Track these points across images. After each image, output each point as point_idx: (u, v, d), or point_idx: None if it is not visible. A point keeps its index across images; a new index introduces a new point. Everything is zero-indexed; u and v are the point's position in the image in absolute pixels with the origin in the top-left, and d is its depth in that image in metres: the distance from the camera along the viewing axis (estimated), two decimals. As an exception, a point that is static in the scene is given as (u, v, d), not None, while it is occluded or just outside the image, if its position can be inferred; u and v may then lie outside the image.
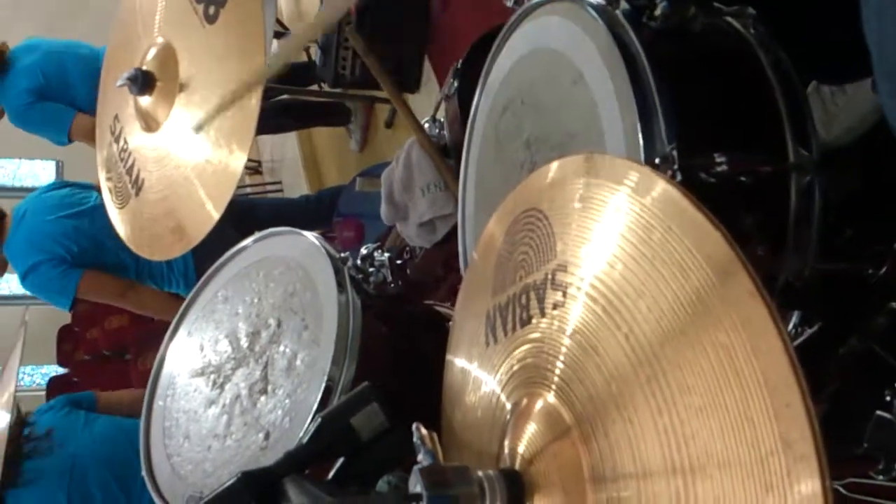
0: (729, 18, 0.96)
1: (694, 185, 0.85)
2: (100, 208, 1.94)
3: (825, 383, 0.98)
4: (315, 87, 3.30)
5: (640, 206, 0.66)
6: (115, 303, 2.56)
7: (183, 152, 1.39)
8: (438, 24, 2.73)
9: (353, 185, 2.36)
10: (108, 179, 1.54)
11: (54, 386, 3.87)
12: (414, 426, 0.68)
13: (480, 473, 0.67)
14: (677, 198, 0.62)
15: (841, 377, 0.97)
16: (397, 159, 1.65)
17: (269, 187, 4.74)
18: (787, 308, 0.95)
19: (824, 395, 0.97)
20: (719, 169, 0.85)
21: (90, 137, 2.70)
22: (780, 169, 0.88)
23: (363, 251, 1.39)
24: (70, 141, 2.77)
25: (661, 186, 0.64)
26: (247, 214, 2.51)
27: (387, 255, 1.40)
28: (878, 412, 0.84)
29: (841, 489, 0.94)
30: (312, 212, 2.79)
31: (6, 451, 1.80)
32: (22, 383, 5.78)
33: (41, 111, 2.72)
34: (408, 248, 1.63)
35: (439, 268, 1.57)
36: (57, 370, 4.29)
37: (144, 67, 1.43)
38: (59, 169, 5.71)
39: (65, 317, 3.88)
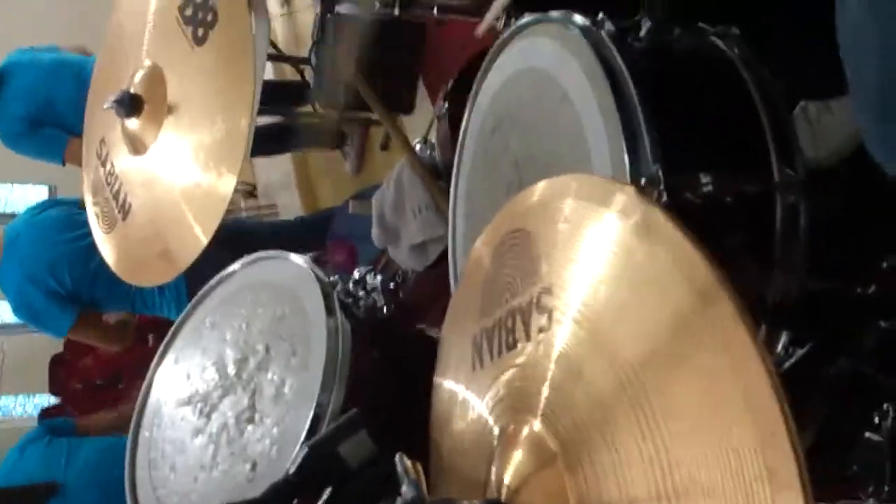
0: (713, 38, 0.96)
1: (680, 205, 0.84)
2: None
3: (815, 404, 0.97)
4: (309, 109, 3.30)
5: (623, 227, 0.65)
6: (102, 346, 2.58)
7: (171, 176, 1.38)
8: (432, 46, 2.74)
9: (347, 208, 2.35)
10: (95, 204, 1.53)
11: (47, 416, 3.82)
12: (397, 456, 0.67)
13: (465, 504, 0.66)
14: (661, 220, 0.62)
15: (831, 397, 0.96)
16: (388, 181, 1.65)
17: (264, 210, 4.73)
18: (777, 328, 0.94)
19: (814, 415, 0.96)
20: (705, 189, 0.85)
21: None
22: (765, 188, 0.88)
23: (356, 274, 1.38)
24: (64, 163, 2.76)
25: (644, 208, 0.64)
26: (241, 238, 2.49)
27: (379, 278, 1.39)
28: (867, 434, 0.83)
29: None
30: (306, 234, 2.78)
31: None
32: (14, 414, 5.72)
33: (35, 138, 2.72)
34: (400, 272, 1.63)
35: (431, 290, 1.56)
36: (49, 400, 4.25)
37: (132, 90, 1.42)
38: (52, 193, 5.69)
39: (56, 345, 3.85)
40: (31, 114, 2.69)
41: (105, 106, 1.40)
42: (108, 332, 2.51)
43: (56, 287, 2.34)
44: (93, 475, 1.91)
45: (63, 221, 2.47)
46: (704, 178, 0.85)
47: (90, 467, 1.92)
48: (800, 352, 0.95)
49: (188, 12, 1.34)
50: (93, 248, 1.54)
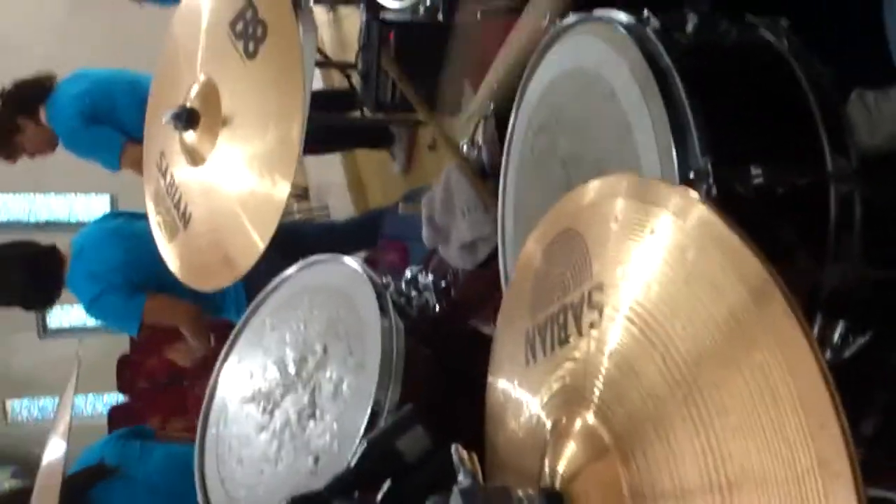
0: (761, 31, 0.96)
1: (730, 198, 0.84)
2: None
3: (878, 393, 0.96)
4: (357, 114, 3.35)
5: (675, 227, 0.66)
6: (180, 325, 2.57)
7: (228, 185, 1.42)
8: (478, 46, 2.74)
9: (397, 209, 2.38)
10: (158, 213, 1.58)
11: (115, 414, 3.96)
12: (453, 447, 0.69)
13: (521, 493, 0.67)
14: (712, 218, 0.62)
15: (892, 386, 0.95)
16: (437, 183, 1.67)
17: (316, 212, 4.80)
18: (833, 318, 0.93)
19: (876, 405, 0.95)
20: (756, 181, 0.85)
21: (139, 167, 2.78)
22: (818, 179, 0.88)
23: (407, 274, 1.41)
24: (120, 167, 2.82)
25: (696, 208, 0.65)
26: (295, 240, 2.54)
27: (431, 277, 1.42)
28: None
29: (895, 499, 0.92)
30: (358, 235, 2.82)
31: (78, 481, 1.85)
32: (84, 412, 5.93)
33: (92, 134, 2.76)
34: (451, 271, 1.65)
35: (482, 289, 1.57)
36: (118, 398, 4.40)
37: (188, 104, 1.47)
38: (114, 202, 5.85)
39: (123, 347, 3.98)
40: (87, 110, 2.74)
41: (164, 121, 1.45)
42: (183, 310, 2.48)
43: (122, 282, 2.42)
44: (162, 475, 1.96)
45: (122, 229, 2.56)
46: (755, 171, 0.85)
47: (161, 467, 1.98)
48: (860, 341, 0.95)
49: (239, 28, 1.37)
50: (155, 254, 1.60)
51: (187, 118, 1.45)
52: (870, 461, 0.51)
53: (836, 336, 0.91)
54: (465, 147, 1.64)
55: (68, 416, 1.84)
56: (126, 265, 2.43)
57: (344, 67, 3.37)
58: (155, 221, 1.60)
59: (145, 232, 2.38)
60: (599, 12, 1.02)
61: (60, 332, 6.07)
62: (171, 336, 2.83)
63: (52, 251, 2.54)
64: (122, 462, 2.01)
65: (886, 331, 0.98)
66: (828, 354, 0.89)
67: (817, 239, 0.89)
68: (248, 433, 1.16)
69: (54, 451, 1.78)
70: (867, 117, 1.21)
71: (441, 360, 1.23)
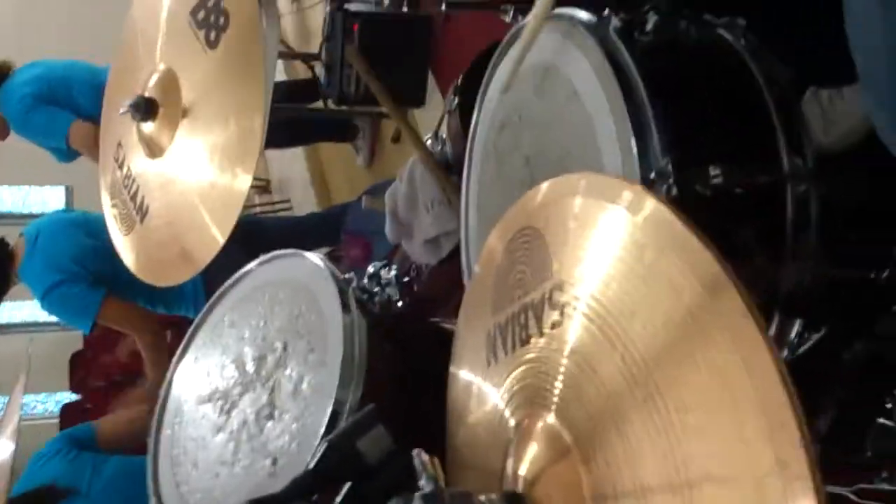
0: (720, 30, 0.96)
1: (690, 199, 0.85)
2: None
3: (831, 389, 0.98)
4: (320, 105, 3.32)
5: (632, 225, 0.66)
6: (131, 333, 2.52)
7: (187, 177, 1.39)
8: (443, 40, 2.74)
9: (360, 203, 2.37)
10: (114, 206, 1.55)
11: (67, 413, 3.88)
12: (414, 452, 0.68)
13: (483, 498, 0.67)
14: (669, 217, 0.62)
15: (847, 383, 0.97)
16: (401, 177, 1.66)
17: (278, 205, 4.76)
18: (791, 316, 0.95)
19: (831, 401, 0.97)
20: (715, 181, 0.86)
21: (89, 145, 2.70)
22: (775, 179, 0.89)
23: (370, 269, 1.40)
24: (69, 149, 2.75)
25: (652, 205, 0.65)
26: (255, 234, 2.51)
27: (394, 273, 1.41)
28: (879, 420, 0.84)
29: (851, 496, 0.94)
30: (320, 229, 2.80)
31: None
32: (35, 412, 5.80)
33: (41, 115, 2.70)
34: (414, 266, 1.64)
35: (446, 284, 1.57)
36: (70, 397, 4.31)
37: (147, 94, 1.44)
38: (69, 194, 5.74)
39: (76, 343, 3.90)
40: (40, 93, 2.69)
41: (121, 111, 1.42)
42: (137, 314, 2.43)
43: (80, 271, 2.35)
44: (118, 487, 1.91)
45: (81, 221, 2.50)
46: (714, 171, 0.86)
47: (116, 480, 1.93)
48: (815, 337, 0.96)
49: (200, 16, 1.35)
50: (111, 248, 1.56)
51: (146, 108, 1.42)
52: (825, 458, 0.51)
53: (792, 334, 0.92)
54: (429, 141, 1.63)
55: (17, 416, 1.80)
56: (84, 255, 2.36)
57: (308, 59, 3.34)
58: (111, 214, 1.56)
59: (103, 223, 2.33)
60: (561, 10, 1.02)
61: (10, 327, 5.92)
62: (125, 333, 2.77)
63: (1, 244, 2.47)
64: (74, 481, 1.95)
65: (840, 327, 0.99)
66: (785, 353, 0.90)
67: (775, 238, 0.90)
68: (203, 434, 1.14)
69: (1, 452, 1.73)
70: (821, 116, 1.23)
71: (404, 357, 1.22)
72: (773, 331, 0.90)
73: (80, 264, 2.36)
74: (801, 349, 0.96)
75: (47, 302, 2.42)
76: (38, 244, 2.43)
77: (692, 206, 0.82)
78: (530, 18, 0.97)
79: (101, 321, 2.39)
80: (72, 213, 2.60)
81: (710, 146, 0.90)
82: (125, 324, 2.47)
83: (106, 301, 2.36)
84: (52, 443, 2.09)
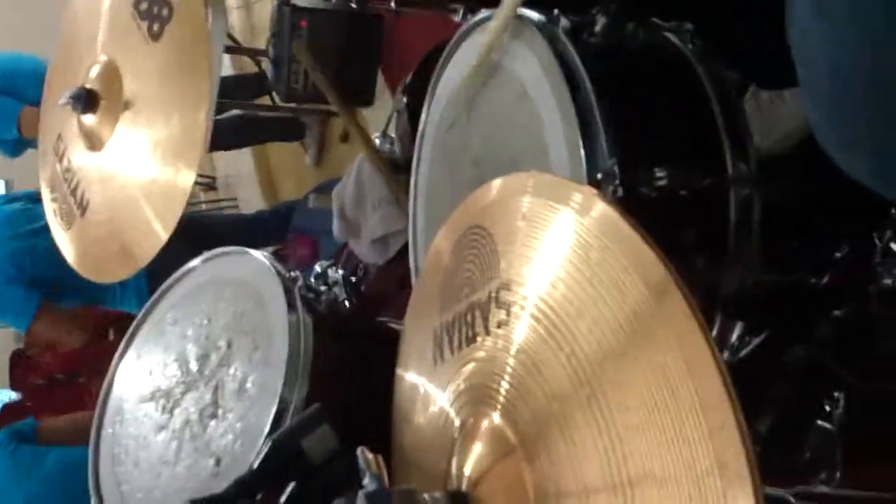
0: (667, 34, 0.98)
1: (635, 200, 0.86)
2: None
3: (771, 392, 1.00)
4: (267, 100, 3.28)
5: (579, 225, 0.66)
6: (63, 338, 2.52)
7: (129, 171, 1.36)
8: (392, 39, 2.73)
9: (307, 201, 2.35)
10: (53, 200, 1.51)
11: (7, 412, 3.76)
12: (359, 450, 0.68)
13: (427, 496, 0.67)
14: (614, 217, 0.63)
15: (786, 386, 0.99)
16: (348, 175, 1.65)
17: (224, 203, 4.68)
18: (732, 319, 0.97)
19: (771, 404, 0.99)
20: (660, 183, 0.87)
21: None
22: (719, 182, 0.90)
23: (317, 268, 1.38)
24: (19, 139, 2.70)
25: (599, 206, 0.65)
26: (202, 232, 2.48)
27: (340, 272, 1.40)
28: (819, 422, 0.86)
29: (790, 498, 0.96)
30: (267, 228, 2.77)
31: None
32: (-27, 411, 5.62)
33: None
34: (361, 265, 1.63)
35: (393, 284, 1.56)
36: (10, 396, 4.18)
37: (87, 86, 1.40)
38: (9, 188, 5.57)
39: (15, 341, 3.79)
40: None
41: (60, 102, 1.38)
42: (69, 322, 2.47)
43: (17, 274, 2.32)
44: (57, 482, 1.89)
45: (20, 215, 2.44)
46: (659, 173, 0.87)
47: (55, 476, 1.90)
48: (755, 341, 0.98)
49: (143, 7, 1.32)
50: (51, 241, 1.52)
51: (86, 100, 1.38)
52: (764, 460, 0.52)
53: (734, 337, 0.94)
54: (377, 140, 1.62)
55: None
56: (22, 257, 2.32)
57: (255, 54, 3.29)
58: (50, 208, 1.52)
59: (42, 221, 2.27)
60: (512, 9, 1.02)
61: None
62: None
63: None
64: (14, 473, 1.92)
65: (781, 330, 1.02)
66: (726, 355, 0.91)
67: (718, 241, 0.92)
68: (145, 434, 1.12)
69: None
70: (760, 117, 1.25)
71: (351, 356, 1.21)
72: (714, 333, 0.92)
73: (18, 266, 2.33)
74: (743, 352, 0.98)
75: None
76: None
77: (637, 207, 0.83)
78: (494, 20, 0.97)
79: (34, 328, 2.40)
80: (12, 206, 2.53)
81: (656, 148, 0.92)
82: (57, 331, 2.46)
83: (38, 314, 2.37)
84: None
